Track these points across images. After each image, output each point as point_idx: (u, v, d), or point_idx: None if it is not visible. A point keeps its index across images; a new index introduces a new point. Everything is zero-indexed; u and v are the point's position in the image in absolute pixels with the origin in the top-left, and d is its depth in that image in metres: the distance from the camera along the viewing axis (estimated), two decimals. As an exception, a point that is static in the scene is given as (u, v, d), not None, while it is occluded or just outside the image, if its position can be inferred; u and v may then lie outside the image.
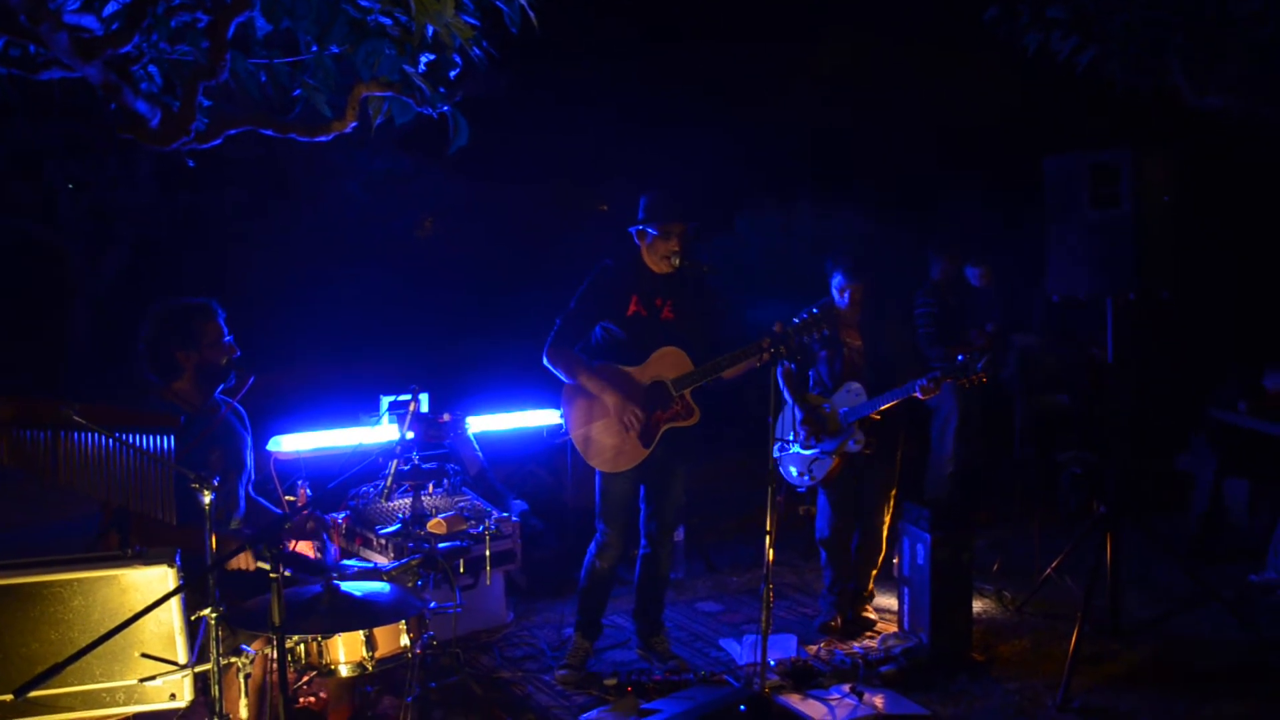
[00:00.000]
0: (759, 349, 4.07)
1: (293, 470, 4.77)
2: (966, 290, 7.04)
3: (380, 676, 3.88)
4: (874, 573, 5.09)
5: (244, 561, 3.34)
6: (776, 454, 5.14)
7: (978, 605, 5.07)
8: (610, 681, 4.31)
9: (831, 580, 5.04)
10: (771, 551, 3.84)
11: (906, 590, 4.80)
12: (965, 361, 4.65)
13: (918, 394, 4.63)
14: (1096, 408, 4.89)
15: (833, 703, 4.10)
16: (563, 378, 4.33)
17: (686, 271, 4.32)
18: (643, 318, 4.33)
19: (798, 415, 4.91)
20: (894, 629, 4.92)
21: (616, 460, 4.31)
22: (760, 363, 4.16)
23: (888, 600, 5.27)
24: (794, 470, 5.03)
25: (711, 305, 4.46)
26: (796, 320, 4.11)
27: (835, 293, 4.93)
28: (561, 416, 4.46)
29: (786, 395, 4.99)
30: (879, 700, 4.12)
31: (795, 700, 4.12)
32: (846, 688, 4.20)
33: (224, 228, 9.25)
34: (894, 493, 5.01)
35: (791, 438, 5.00)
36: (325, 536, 3.74)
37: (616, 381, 4.26)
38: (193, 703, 2.69)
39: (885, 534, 5.03)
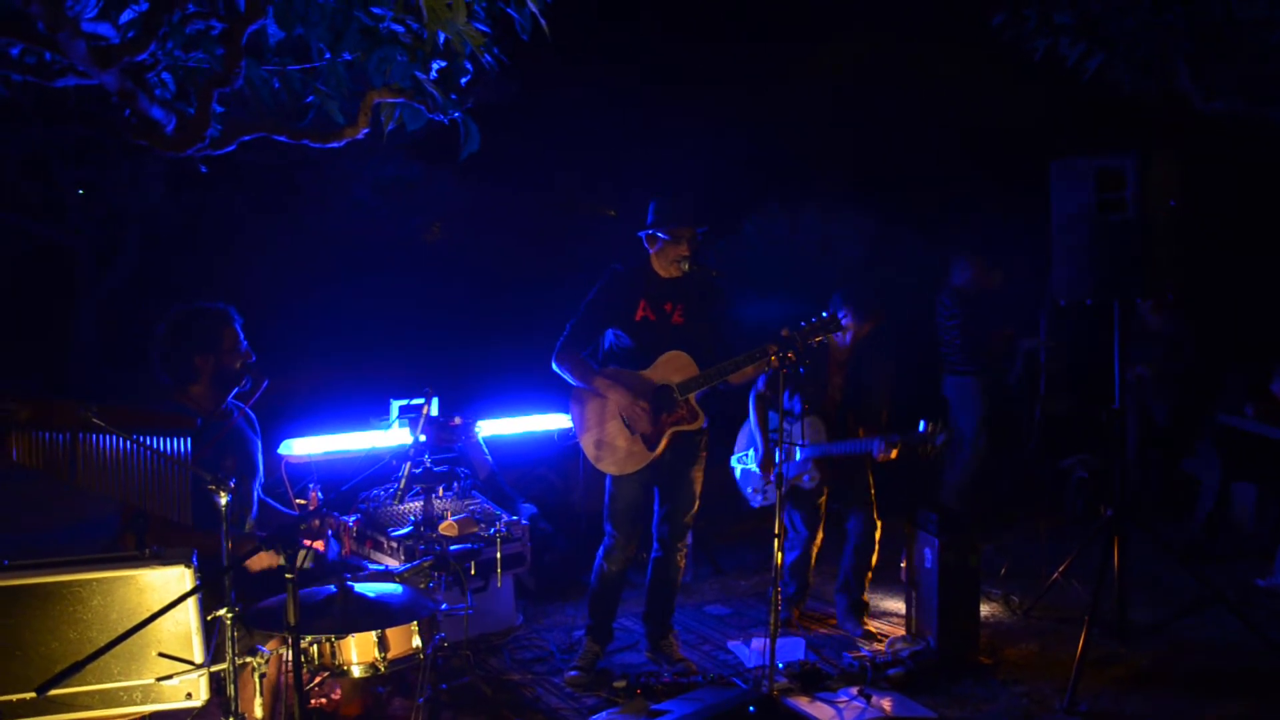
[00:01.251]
0: (764, 354, 4.08)
1: (304, 474, 4.78)
2: (986, 295, 6.97)
3: (392, 677, 3.90)
4: (868, 577, 5.05)
5: (268, 560, 3.38)
6: (734, 464, 5.18)
7: (985, 609, 5.09)
8: (619, 684, 4.33)
9: (796, 590, 5.13)
10: (780, 555, 3.86)
11: (914, 594, 4.81)
12: (926, 433, 4.59)
13: (874, 453, 4.63)
14: (1102, 412, 4.91)
15: (840, 705, 4.12)
16: (571, 382, 4.36)
17: (695, 275, 4.33)
18: (651, 322, 4.36)
19: (758, 447, 4.97)
20: (901, 632, 4.94)
21: (624, 464, 4.34)
22: (768, 368, 4.17)
23: (895, 604, 5.29)
24: (750, 488, 5.10)
25: (719, 309, 4.48)
26: (803, 324, 4.10)
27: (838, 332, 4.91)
28: (571, 420, 4.49)
29: (753, 419, 4.99)
30: (886, 703, 4.13)
31: (803, 703, 4.14)
32: (854, 690, 4.22)
33: (233, 231, 9.27)
34: (872, 494, 4.96)
35: (750, 454, 5.04)
36: (331, 535, 3.75)
37: (623, 385, 4.29)
38: (208, 702, 2.72)
39: (877, 543, 5.01)
